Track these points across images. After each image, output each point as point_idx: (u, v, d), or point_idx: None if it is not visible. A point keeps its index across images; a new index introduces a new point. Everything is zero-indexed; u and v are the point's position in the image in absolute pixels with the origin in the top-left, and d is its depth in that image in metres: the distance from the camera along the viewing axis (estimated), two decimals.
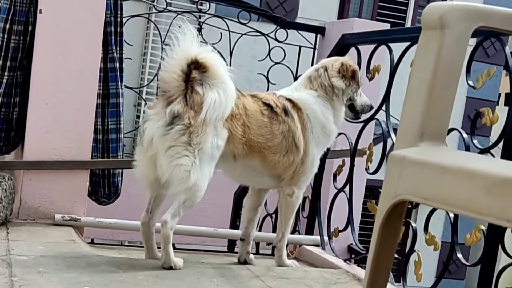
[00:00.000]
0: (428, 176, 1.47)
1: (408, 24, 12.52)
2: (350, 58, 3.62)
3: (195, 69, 3.01)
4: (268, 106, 3.30)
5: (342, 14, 12.16)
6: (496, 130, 2.95)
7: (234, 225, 5.12)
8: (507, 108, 2.69)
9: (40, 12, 3.61)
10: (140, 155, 3.12)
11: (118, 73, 3.96)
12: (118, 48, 3.99)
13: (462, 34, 1.66)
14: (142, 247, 3.45)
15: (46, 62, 3.65)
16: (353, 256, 4.36)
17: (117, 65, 3.96)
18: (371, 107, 3.56)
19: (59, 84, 3.67)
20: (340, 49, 3.94)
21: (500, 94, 13.45)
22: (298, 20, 10.45)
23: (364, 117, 3.74)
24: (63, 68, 3.66)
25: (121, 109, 3.99)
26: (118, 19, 3.97)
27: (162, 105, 3.02)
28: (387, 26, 5.64)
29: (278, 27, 5.52)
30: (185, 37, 3.02)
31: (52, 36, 3.65)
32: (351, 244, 4.92)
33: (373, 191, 5.06)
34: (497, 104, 13.02)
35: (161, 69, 3.08)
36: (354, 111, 3.54)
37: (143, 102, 9.35)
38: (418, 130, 1.64)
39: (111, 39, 3.91)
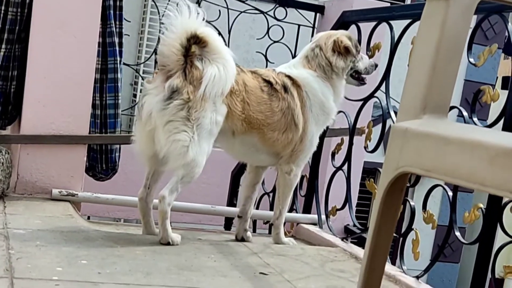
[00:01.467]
0: (431, 147, 1.45)
1: (408, 2, 12.45)
2: (343, 31, 3.59)
3: (195, 44, 2.99)
4: (268, 82, 3.28)
5: None
6: (494, 113, 2.94)
7: (231, 203, 5.11)
8: (505, 91, 2.68)
9: None
10: (139, 130, 3.10)
11: (117, 48, 3.94)
12: (117, 23, 3.96)
13: (467, 6, 1.64)
14: (139, 224, 3.44)
15: (43, 35, 3.63)
16: (349, 236, 4.37)
17: (116, 39, 3.94)
18: (376, 65, 3.53)
19: (57, 58, 3.65)
20: (340, 26, 3.91)
21: (497, 78, 13.43)
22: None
23: (363, 95, 3.72)
24: (61, 41, 3.64)
25: (119, 84, 3.97)
26: None
27: (161, 79, 3.00)
28: (387, 4, 5.61)
29: (277, 5, 5.48)
30: (185, 11, 2.99)
31: (49, 9, 3.62)
32: (348, 224, 4.93)
33: (370, 173, 5.06)
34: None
35: (160, 43, 3.05)
36: (358, 78, 3.51)
37: (139, 80, 9.33)
38: (421, 103, 1.62)
39: (110, 13, 3.88)
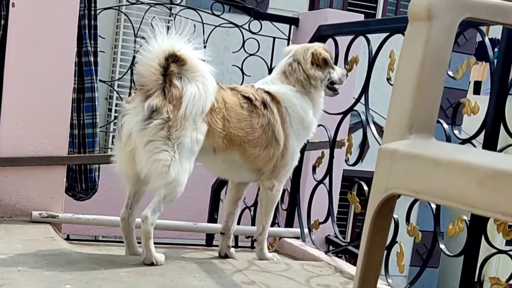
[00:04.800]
0: (420, 169, 1.45)
1: (379, 14, 12.56)
2: (319, 43, 3.60)
3: (173, 62, 2.98)
4: (248, 99, 3.27)
5: (313, 4, 12.16)
6: (469, 119, 2.95)
7: (212, 218, 5.10)
8: (476, 96, 2.70)
9: (13, 6, 3.54)
10: (119, 150, 3.08)
11: (93, 67, 3.92)
12: (92, 42, 3.95)
13: (449, 25, 1.65)
14: (118, 242, 3.41)
15: (19, 57, 3.59)
16: (331, 247, 4.37)
17: (92, 59, 3.93)
18: (347, 75, 3.56)
19: (34, 78, 3.61)
20: (317, 40, 3.91)
21: (469, 82, 13.55)
22: (269, 11, 10.44)
23: (342, 109, 3.73)
24: (38, 62, 3.61)
25: (96, 103, 3.95)
26: (92, 12, 3.94)
27: (140, 99, 2.98)
28: (361, 17, 5.64)
29: (252, 19, 5.49)
30: (161, 30, 2.98)
31: (25, 30, 3.58)
32: (329, 235, 4.93)
33: (347, 181, 5.06)
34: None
35: (138, 63, 3.03)
36: (333, 89, 3.52)
37: (114, 95, 9.28)
38: (407, 123, 1.63)
39: (85, 32, 3.87)
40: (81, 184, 3.98)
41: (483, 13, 1.69)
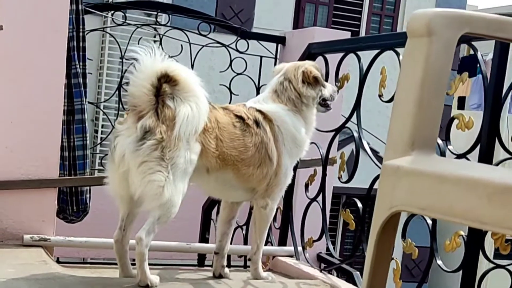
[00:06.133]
0: (426, 186, 1.45)
1: (363, 31, 12.64)
2: (310, 61, 3.60)
3: (165, 83, 2.97)
4: (240, 118, 3.27)
5: (297, 23, 12.22)
6: (455, 133, 2.95)
7: (204, 238, 5.07)
8: (461, 111, 2.71)
9: (1, 29, 3.52)
10: (112, 172, 3.06)
11: (82, 89, 3.91)
12: (81, 63, 3.93)
13: (449, 41, 1.65)
14: (111, 263, 3.38)
15: (9, 79, 3.57)
16: (322, 264, 4.36)
17: (81, 80, 3.91)
18: (338, 91, 3.56)
19: (23, 101, 3.58)
20: (307, 58, 3.92)
21: (453, 98, 13.63)
22: (253, 30, 10.48)
23: (330, 126, 3.74)
24: (27, 85, 3.58)
25: (86, 125, 3.93)
26: (80, 34, 3.92)
27: (133, 120, 2.96)
28: (347, 34, 5.66)
29: (239, 38, 5.50)
30: (152, 51, 2.97)
31: (14, 53, 3.56)
32: (320, 252, 4.92)
33: (334, 197, 5.06)
34: None
35: (130, 83, 3.02)
36: (325, 105, 3.52)
37: (101, 116, 9.26)
38: (409, 139, 1.62)
39: (74, 54, 3.86)
40: (72, 206, 3.95)
41: (482, 28, 1.69)
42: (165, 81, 2.96)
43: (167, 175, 2.93)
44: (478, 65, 2.94)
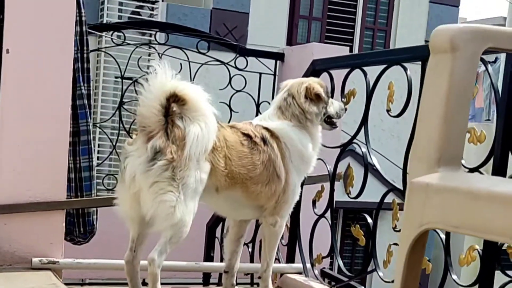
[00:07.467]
0: (458, 203, 1.44)
1: (356, 48, 12.70)
2: (315, 78, 3.60)
3: (174, 102, 2.97)
4: (247, 136, 3.26)
5: (291, 38, 12.26)
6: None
7: (209, 256, 5.05)
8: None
9: (7, 52, 3.51)
10: (122, 193, 3.04)
11: (87, 110, 3.90)
12: (85, 85, 3.93)
13: (472, 56, 1.66)
14: (120, 284, 3.36)
15: (15, 102, 3.55)
16: (327, 280, 4.34)
17: (86, 101, 3.90)
18: (346, 109, 3.55)
19: (30, 123, 3.56)
20: (311, 74, 3.92)
21: None
22: (248, 47, 10.51)
23: (331, 141, 3.74)
24: (34, 107, 3.57)
25: (92, 146, 3.92)
26: (85, 55, 3.92)
27: (142, 140, 2.96)
28: (346, 49, 5.69)
29: (238, 55, 5.52)
30: (160, 70, 2.96)
31: (20, 76, 3.54)
32: (324, 268, 4.90)
33: (337, 212, 5.05)
34: None
35: (139, 104, 3.01)
36: (330, 123, 3.51)
37: (97, 136, 9.22)
38: (435, 155, 1.62)
39: (79, 75, 3.85)
40: (79, 228, 3.93)
41: (505, 42, 1.70)
42: (174, 100, 2.96)
43: (178, 195, 2.92)
44: None
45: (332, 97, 3.66)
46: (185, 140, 2.92)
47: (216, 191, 3.16)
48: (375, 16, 12.86)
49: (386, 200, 3.29)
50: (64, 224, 3.74)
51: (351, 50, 12.29)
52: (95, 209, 3.98)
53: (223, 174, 3.12)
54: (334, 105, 3.49)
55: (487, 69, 2.73)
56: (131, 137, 3.19)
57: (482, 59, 2.72)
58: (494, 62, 11.88)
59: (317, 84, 3.46)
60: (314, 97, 3.39)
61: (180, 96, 2.96)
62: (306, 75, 3.96)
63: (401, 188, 3.20)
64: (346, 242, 12.41)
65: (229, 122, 5.22)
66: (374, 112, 3.59)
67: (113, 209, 3.12)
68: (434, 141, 1.63)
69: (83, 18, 3.86)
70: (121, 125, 5.27)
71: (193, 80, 5.30)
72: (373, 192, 3.70)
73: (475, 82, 2.16)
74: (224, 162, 3.12)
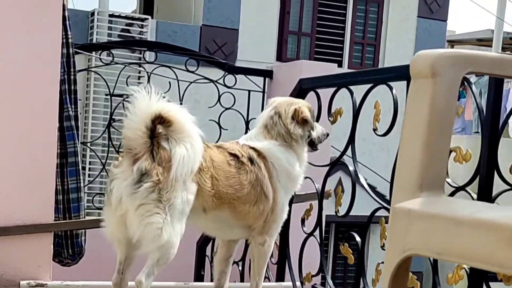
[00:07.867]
0: (441, 229, 1.44)
1: (346, 62, 12.75)
2: (304, 101, 3.60)
3: (159, 124, 2.96)
4: (234, 156, 3.26)
5: (280, 54, 12.29)
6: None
7: (199, 275, 5.03)
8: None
9: None
10: (109, 216, 3.03)
11: (75, 131, 3.89)
12: (72, 106, 3.92)
13: (453, 81, 1.66)
14: None
15: (1, 125, 3.54)
16: None
17: (73, 123, 3.89)
18: (327, 134, 3.55)
19: (17, 146, 3.55)
20: (298, 93, 3.92)
21: None
22: (237, 63, 10.55)
23: (328, 160, 3.74)
24: (20, 129, 3.55)
25: (79, 167, 3.91)
26: (72, 77, 3.91)
27: (128, 163, 2.95)
28: (334, 66, 5.71)
29: (227, 73, 5.53)
30: (146, 91, 2.96)
31: (7, 98, 3.53)
32: (315, 284, 4.89)
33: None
34: None
35: (124, 126, 3.00)
36: (312, 145, 3.51)
37: (88, 153, 9.22)
38: (417, 181, 1.62)
39: (66, 97, 3.84)
40: (67, 249, 3.91)
41: (486, 67, 1.71)
42: (159, 122, 2.95)
43: (165, 217, 2.92)
44: (461, 89, 2.95)
45: (319, 115, 3.67)
46: (171, 162, 2.91)
47: (204, 211, 3.16)
48: (364, 31, 12.92)
49: (378, 214, 3.29)
50: (52, 246, 3.72)
51: (340, 65, 12.35)
52: (83, 230, 3.97)
53: (210, 194, 3.12)
54: (317, 130, 3.49)
55: (471, 89, 2.74)
56: (120, 156, 3.18)
57: (466, 79, 2.74)
58: (482, 75, 11.94)
59: (306, 108, 3.45)
60: (300, 121, 3.39)
61: (165, 117, 2.95)
62: (293, 94, 3.96)
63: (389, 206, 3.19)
64: (339, 256, 12.41)
65: (218, 139, 5.24)
66: (364, 126, 3.58)
67: (102, 230, 3.11)
68: (416, 166, 1.63)
69: (70, 40, 3.85)
70: (110, 143, 5.27)
71: (183, 98, 5.32)
72: (365, 206, 3.69)
73: (463, 96, 2.15)
74: (211, 183, 3.12)
